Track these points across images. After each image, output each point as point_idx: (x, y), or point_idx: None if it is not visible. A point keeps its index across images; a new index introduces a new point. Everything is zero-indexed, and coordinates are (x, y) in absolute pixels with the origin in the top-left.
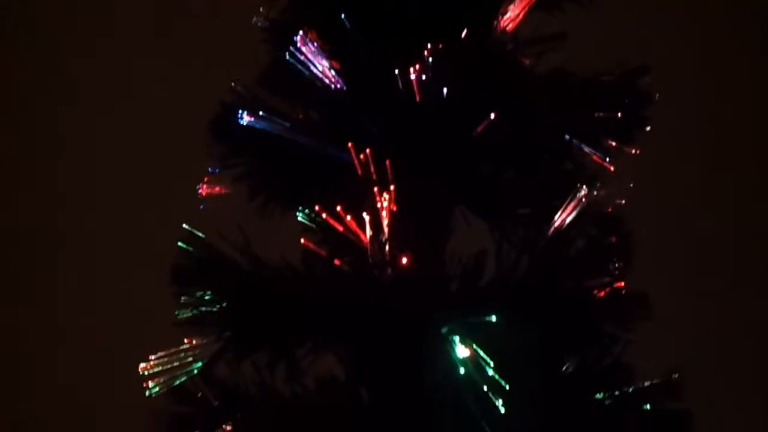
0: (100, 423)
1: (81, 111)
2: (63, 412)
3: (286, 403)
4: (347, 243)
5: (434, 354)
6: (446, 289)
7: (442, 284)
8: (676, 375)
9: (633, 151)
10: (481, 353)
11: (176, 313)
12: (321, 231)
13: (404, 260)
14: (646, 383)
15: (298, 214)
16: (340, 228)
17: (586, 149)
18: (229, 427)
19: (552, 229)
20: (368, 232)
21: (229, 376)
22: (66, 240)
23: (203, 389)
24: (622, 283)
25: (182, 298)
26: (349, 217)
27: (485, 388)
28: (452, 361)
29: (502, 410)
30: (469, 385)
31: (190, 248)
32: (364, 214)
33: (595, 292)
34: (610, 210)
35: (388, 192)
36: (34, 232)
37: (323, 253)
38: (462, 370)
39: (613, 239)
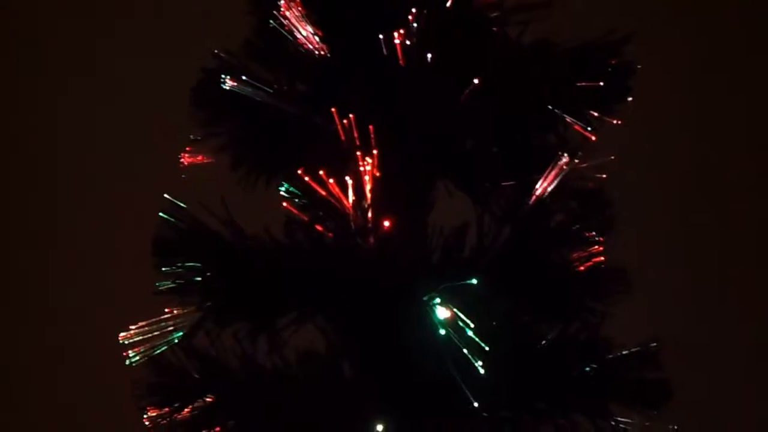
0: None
1: (61, 77)
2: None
3: (267, 376)
4: (330, 208)
5: (415, 320)
6: (428, 259)
7: (424, 254)
8: (654, 344)
9: (615, 122)
10: (462, 316)
11: (157, 284)
12: (303, 196)
13: (386, 227)
14: (625, 352)
15: (280, 188)
16: (323, 193)
17: (569, 119)
18: (209, 399)
19: (533, 198)
20: (351, 197)
21: (210, 348)
22: (49, 207)
23: (183, 360)
24: (602, 258)
25: (163, 268)
26: (332, 181)
27: (465, 351)
28: (433, 326)
29: (482, 371)
30: (449, 349)
31: (172, 219)
32: (347, 178)
33: (576, 266)
34: (590, 185)
35: (372, 157)
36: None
37: (305, 218)
38: (443, 332)
39: (593, 212)
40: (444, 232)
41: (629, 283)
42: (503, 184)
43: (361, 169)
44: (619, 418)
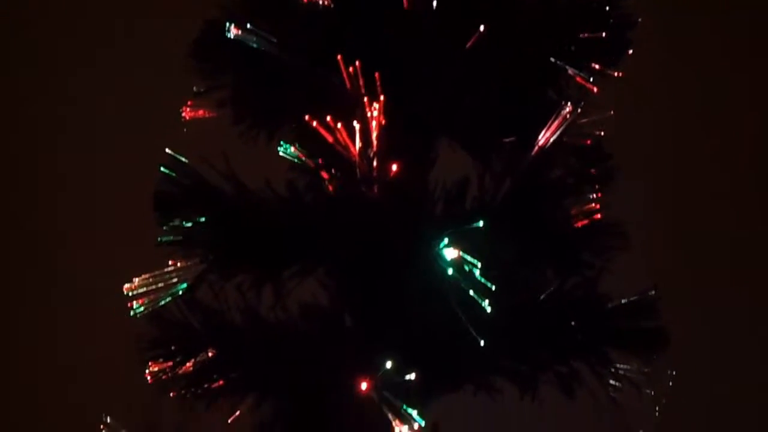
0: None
1: (59, 31)
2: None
3: (269, 328)
4: (335, 155)
5: (421, 266)
6: (431, 210)
7: (427, 205)
8: (652, 292)
9: (615, 74)
10: (468, 258)
11: (158, 239)
12: (309, 143)
13: (391, 176)
14: (623, 301)
15: (279, 148)
16: (330, 139)
17: (571, 71)
18: (212, 353)
19: (536, 148)
20: (357, 143)
21: (213, 301)
22: (51, 159)
23: (186, 314)
24: (599, 215)
25: (165, 224)
26: (339, 126)
27: (471, 292)
28: (439, 270)
29: (488, 310)
30: (456, 291)
31: (173, 174)
32: (355, 123)
33: (574, 221)
34: (589, 142)
35: (378, 102)
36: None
37: (311, 164)
38: (450, 272)
39: (592, 164)
40: (446, 185)
41: (627, 238)
42: (504, 140)
43: (368, 115)
44: (617, 365)
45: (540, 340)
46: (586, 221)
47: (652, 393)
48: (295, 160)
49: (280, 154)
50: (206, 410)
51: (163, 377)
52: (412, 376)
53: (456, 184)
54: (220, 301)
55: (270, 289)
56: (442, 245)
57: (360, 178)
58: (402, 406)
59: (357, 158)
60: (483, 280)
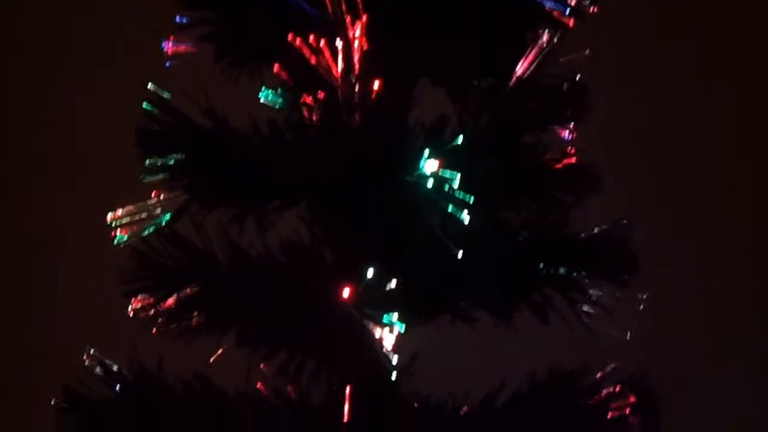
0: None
1: None
2: None
3: (251, 263)
4: (318, 79)
5: (400, 191)
6: (411, 143)
7: (408, 138)
8: (625, 222)
9: (591, 10)
10: (447, 173)
11: (141, 176)
12: (292, 62)
13: (372, 105)
14: (595, 230)
15: (260, 94)
16: (312, 59)
17: (547, 4)
18: (193, 290)
19: (513, 79)
20: (339, 65)
21: (195, 236)
22: (31, 94)
23: (168, 248)
24: (574, 159)
25: (147, 161)
26: (322, 43)
27: (450, 207)
28: (419, 191)
29: (466, 221)
30: (434, 208)
31: (155, 110)
32: (337, 41)
33: (549, 164)
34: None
35: (360, 22)
36: None
37: (290, 83)
38: (430, 183)
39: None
40: (425, 124)
41: (600, 179)
42: (483, 82)
43: (350, 35)
44: (590, 291)
45: (514, 266)
46: (560, 164)
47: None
48: (276, 105)
49: (261, 101)
50: (188, 345)
51: (145, 314)
52: (392, 284)
53: (435, 120)
54: (202, 235)
55: (251, 225)
56: (422, 160)
57: (342, 102)
58: (382, 315)
59: (339, 81)
60: (461, 195)
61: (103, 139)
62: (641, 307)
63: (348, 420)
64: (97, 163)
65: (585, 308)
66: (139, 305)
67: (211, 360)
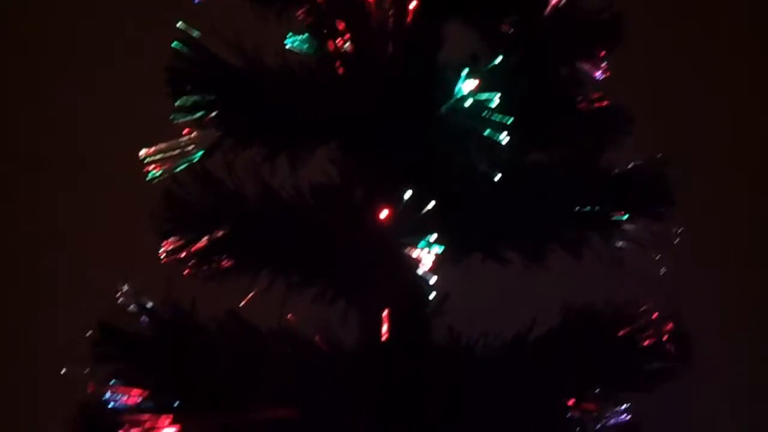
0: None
1: None
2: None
3: (282, 204)
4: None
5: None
6: (445, 73)
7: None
8: (660, 156)
9: None
10: (484, 96)
11: (171, 117)
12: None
13: (408, 30)
14: (629, 165)
15: (287, 41)
16: None
17: None
18: (221, 232)
19: (549, 7)
20: None
21: (227, 176)
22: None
23: (200, 189)
24: (606, 102)
25: (178, 100)
26: None
27: (487, 131)
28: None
29: (504, 141)
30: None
31: (185, 49)
32: None
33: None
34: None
35: None
36: None
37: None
38: (468, 103)
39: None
40: (453, 63)
41: (632, 121)
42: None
43: None
44: (624, 226)
45: (547, 203)
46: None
47: (658, 255)
48: (303, 50)
49: (287, 47)
50: (219, 287)
51: (177, 256)
52: (429, 206)
53: (464, 60)
54: (233, 175)
55: (282, 166)
56: (461, 80)
57: (375, 29)
58: (419, 239)
59: (373, 6)
60: (498, 117)
61: (103, 138)
62: (676, 241)
63: (385, 341)
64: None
65: (619, 244)
66: (171, 247)
67: (242, 303)
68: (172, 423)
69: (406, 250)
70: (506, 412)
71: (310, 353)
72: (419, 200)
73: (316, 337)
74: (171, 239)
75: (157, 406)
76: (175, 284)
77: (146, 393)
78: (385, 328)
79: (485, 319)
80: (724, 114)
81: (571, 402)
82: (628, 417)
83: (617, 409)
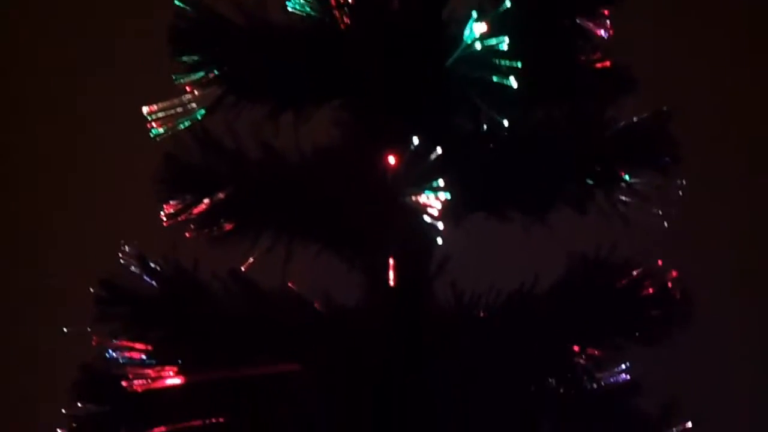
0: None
1: None
2: None
3: (286, 166)
4: None
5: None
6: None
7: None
8: (665, 108)
9: None
10: (494, 41)
11: (174, 77)
12: None
13: None
14: (635, 119)
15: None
16: None
17: None
18: (222, 194)
19: None
20: None
21: (228, 136)
22: None
23: (202, 150)
24: (608, 63)
25: (180, 57)
26: None
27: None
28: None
29: (514, 85)
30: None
31: (187, 7)
32: None
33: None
34: None
35: None
36: None
37: None
38: (478, 47)
39: None
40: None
41: (635, 81)
42: None
43: None
44: (629, 180)
45: (552, 157)
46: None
47: (661, 211)
48: (305, 12)
49: (289, 9)
50: (221, 250)
51: (179, 219)
52: (438, 151)
53: (463, 17)
54: (234, 133)
55: (285, 128)
56: (470, 21)
57: None
58: (426, 185)
59: None
60: (506, 63)
61: (105, 101)
62: (680, 193)
63: (394, 285)
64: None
65: (623, 198)
66: (172, 210)
67: (245, 265)
68: (176, 374)
69: (413, 198)
70: (510, 366)
71: (311, 311)
72: (425, 149)
73: (316, 303)
74: (172, 202)
75: (160, 360)
76: (180, 248)
77: (149, 348)
78: (391, 275)
79: (487, 278)
80: (730, 76)
81: (576, 348)
82: (629, 377)
83: (618, 368)
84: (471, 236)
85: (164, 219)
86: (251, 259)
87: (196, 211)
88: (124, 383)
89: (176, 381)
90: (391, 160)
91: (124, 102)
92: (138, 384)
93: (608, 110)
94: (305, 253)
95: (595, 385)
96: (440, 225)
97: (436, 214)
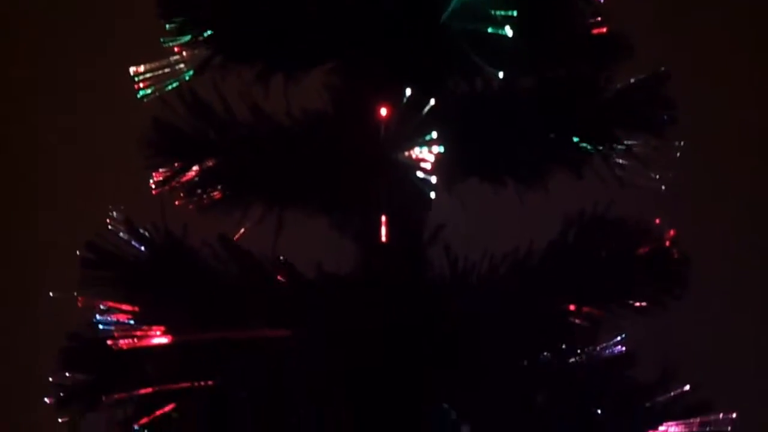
0: None
1: None
2: None
3: (278, 130)
4: None
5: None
6: None
7: None
8: (663, 69)
9: None
10: None
11: (162, 40)
12: None
13: None
14: (632, 80)
15: None
16: None
17: None
18: (212, 160)
19: None
20: None
21: (217, 100)
22: None
23: (190, 114)
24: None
25: (168, 21)
26: None
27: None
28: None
29: (509, 34)
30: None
31: None
32: None
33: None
34: None
35: None
36: None
37: None
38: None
39: None
40: None
41: (632, 48)
42: None
43: None
44: (626, 142)
45: (547, 119)
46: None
47: (658, 175)
48: None
49: None
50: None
51: (168, 187)
52: (431, 103)
53: None
54: (222, 95)
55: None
56: None
57: None
58: (418, 139)
59: None
60: (503, 12)
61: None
62: (678, 154)
63: (385, 243)
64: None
65: (620, 161)
66: (161, 178)
67: (236, 237)
68: (164, 334)
69: (405, 154)
70: (507, 329)
71: (303, 278)
72: (418, 103)
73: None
74: (161, 170)
75: (147, 322)
76: (169, 218)
77: (137, 309)
78: (383, 232)
79: (482, 246)
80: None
81: (572, 308)
82: (623, 348)
83: (613, 340)
84: (465, 205)
85: (153, 187)
86: (242, 230)
87: (185, 178)
88: (109, 342)
89: (163, 340)
90: (383, 112)
91: (111, 67)
92: (124, 342)
93: (605, 73)
94: (297, 225)
95: (590, 351)
96: (433, 179)
97: (429, 167)
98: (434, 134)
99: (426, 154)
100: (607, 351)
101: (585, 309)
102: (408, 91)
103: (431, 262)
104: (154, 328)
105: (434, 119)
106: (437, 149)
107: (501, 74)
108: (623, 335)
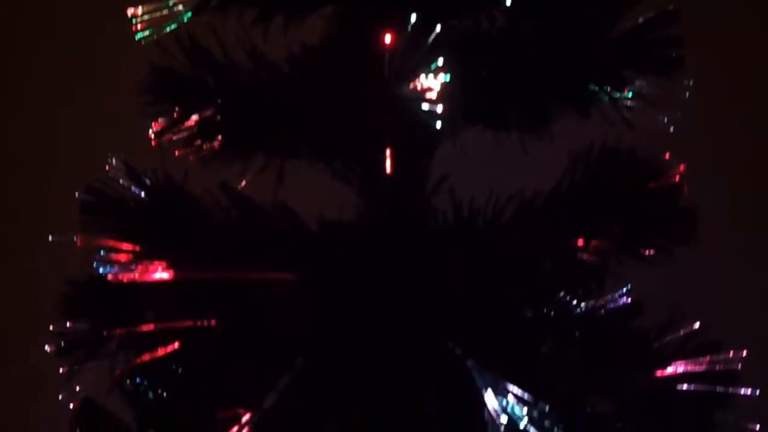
0: None
1: None
2: None
3: (278, 74)
4: None
5: None
6: None
7: None
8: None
9: None
10: None
11: None
12: None
13: None
14: (640, 20)
15: None
16: None
17: None
18: (211, 107)
19: None
20: None
21: (215, 44)
22: None
23: (188, 59)
24: None
25: None
26: None
27: None
28: None
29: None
30: None
31: None
32: None
33: None
34: None
35: None
36: None
37: None
38: None
39: None
40: None
41: None
42: None
43: None
44: (633, 84)
45: (554, 57)
46: None
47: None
48: None
49: None
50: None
51: (166, 138)
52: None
53: None
54: (220, 39)
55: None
56: None
57: None
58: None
59: None
60: None
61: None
62: (687, 94)
63: (389, 189)
64: None
65: (628, 103)
66: (160, 128)
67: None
68: (165, 269)
69: (410, 85)
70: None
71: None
72: (423, 31)
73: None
74: (160, 120)
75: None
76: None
77: (137, 248)
78: (388, 164)
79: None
80: None
81: (580, 242)
82: (629, 299)
83: (618, 292)
84: (469, 155)
85: (152, 137)
86: (244, 182)
87: (184, 126)
88: (109, 277)
89: (165, 275)
90: (387, 39)
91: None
92: (125, 276)
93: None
94: (299, 176)
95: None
96: (439, 108)
97: (434, 97)
98: (440, 61)
99: (432, 82)
100: (612, 305)
101: (593, 243)
102: (413, 17)
103: (435, 207)
104: (155, 262)
105: (439, 39)
106: (443, 77)
107: (508, 1)
108: (629, 285)
